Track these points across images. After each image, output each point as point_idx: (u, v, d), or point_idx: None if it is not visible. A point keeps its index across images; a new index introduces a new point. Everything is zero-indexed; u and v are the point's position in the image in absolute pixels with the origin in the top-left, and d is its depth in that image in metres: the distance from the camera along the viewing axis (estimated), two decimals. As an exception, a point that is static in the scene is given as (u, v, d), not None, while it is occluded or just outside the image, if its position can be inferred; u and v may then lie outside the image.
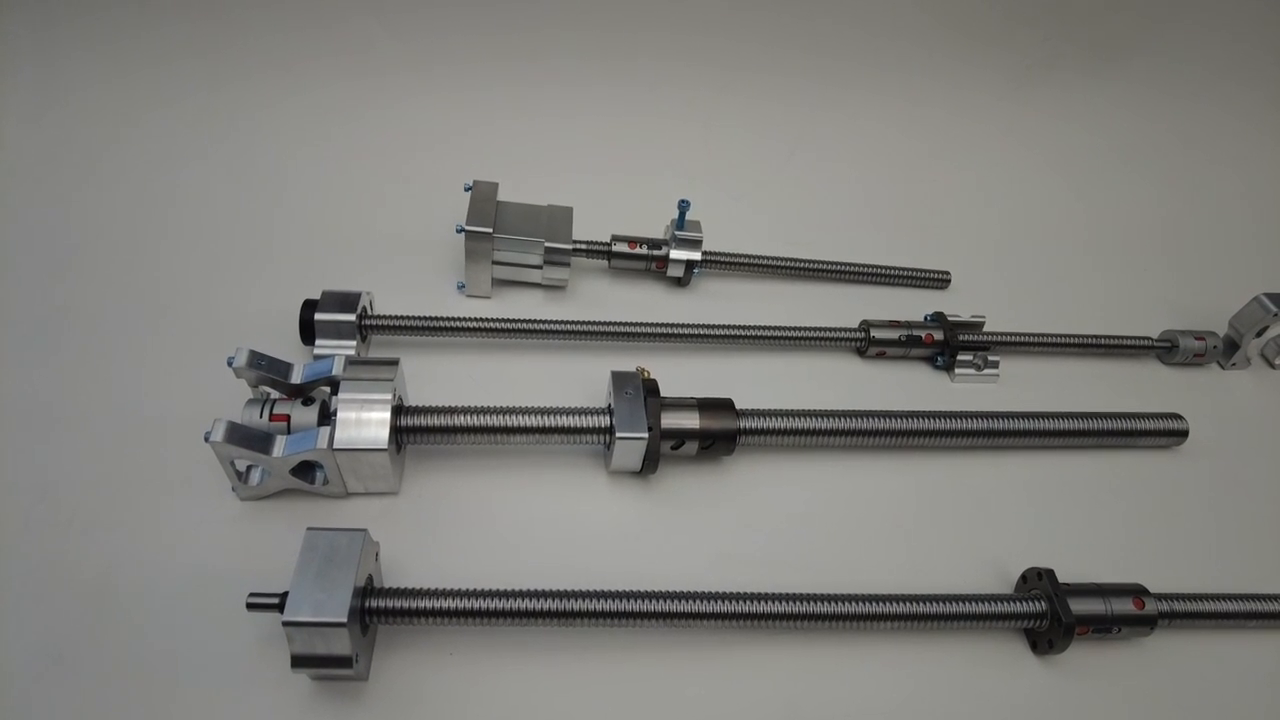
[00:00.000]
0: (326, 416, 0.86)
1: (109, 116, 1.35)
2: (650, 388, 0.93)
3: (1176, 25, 1.63)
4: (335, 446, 0.82)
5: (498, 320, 1.05)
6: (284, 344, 1.00)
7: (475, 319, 1.04)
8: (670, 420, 0.91)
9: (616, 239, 1.19)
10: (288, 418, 0.86)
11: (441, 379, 1.01)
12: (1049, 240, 1.49)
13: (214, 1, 1.42)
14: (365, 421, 0.83)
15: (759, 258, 1.25)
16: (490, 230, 1.07)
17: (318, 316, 0.98)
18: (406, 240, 1.23)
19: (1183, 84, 1.71)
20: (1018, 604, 0.84)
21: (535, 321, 1.06)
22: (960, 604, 0.83)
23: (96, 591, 0.79)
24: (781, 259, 1.26)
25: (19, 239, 1.14)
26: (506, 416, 0.89)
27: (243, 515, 0.87)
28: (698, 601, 0.79)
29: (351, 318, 0.99)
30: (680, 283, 1.23)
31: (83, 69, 1.38)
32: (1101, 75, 1.68)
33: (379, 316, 1.02)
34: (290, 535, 0.78)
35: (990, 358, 1.17)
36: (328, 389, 0.89)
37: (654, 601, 0.78)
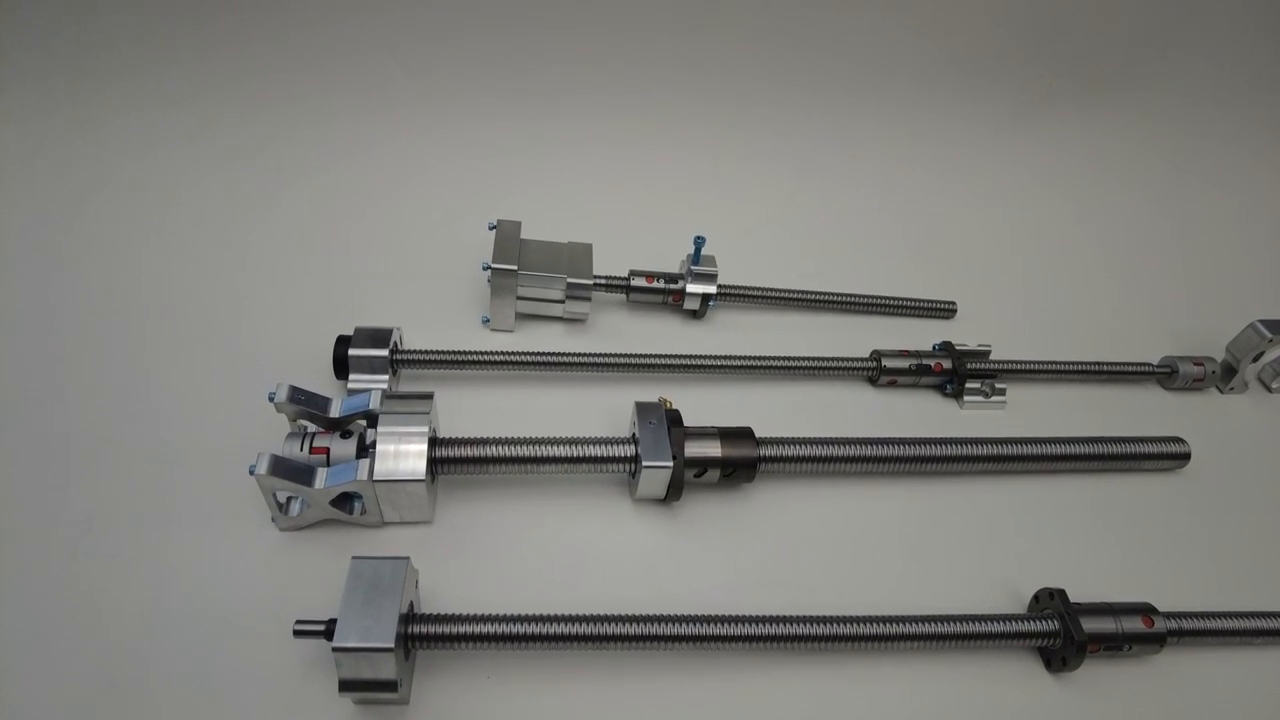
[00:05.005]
0: (364, 449, 0.90)
1: (136, 153, 1.39)
2: (673, 418, 0.96)
3: (1172, 56, 1.67)
4: (375, 478, 0.85)
5: (522, 354, 1.08)
6: (314, 377, 1.02)
7: (501, 352, 1.08)
8: (693, 449, 0.94)
9: (635, 274, 1.23)
10: (327, 450, 0.89)
11: (468, 411, 1.03)
12: (1050, 270, 1.53)
13: (237, 41, 1.46)
14: (403, 453, 0.86)
15: (771, 290, 1.29)
16: (515, 268, 1.11)
17: (351, 352, 1.02)
18: (427, 275, 1.27)
19: (1178, 114, 1.75)
20: (1031, 623, 0.87)
21: (558, 354, 1.09)
22: (977, 624, 0.86)
23: (144, 620, 0.82)
24: (792, 291, 1.30)
25: (55, 277, 1.18)
26: (537, 447, 0.92)
27: (282, 545, 0.90)
28: (723, 624, 0.81)
29: (384, 353, 1.02)
30: (696, 315, 1.27)
31: (111, 108, 1.42)
32: (1098, 107, 1.72)
33: (409, 351, 1.06)
34: (328, 564, 0.82)
35: (997, 385, 1.20)
36: (364, 422, 0.92)
37: (681, 625, 0.80)
